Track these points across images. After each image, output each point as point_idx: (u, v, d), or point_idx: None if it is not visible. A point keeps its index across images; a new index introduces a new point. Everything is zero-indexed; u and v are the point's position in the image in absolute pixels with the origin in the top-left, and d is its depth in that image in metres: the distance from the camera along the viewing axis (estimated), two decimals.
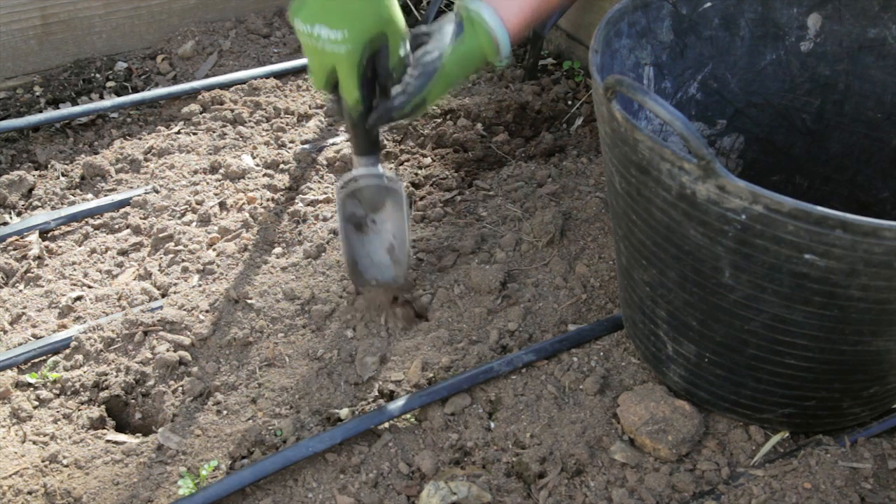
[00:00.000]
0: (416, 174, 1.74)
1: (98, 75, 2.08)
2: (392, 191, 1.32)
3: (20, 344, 1.39)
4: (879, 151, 1.38)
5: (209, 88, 1.96)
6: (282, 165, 1.75)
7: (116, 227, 1.63)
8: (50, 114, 1.88)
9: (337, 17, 1.11)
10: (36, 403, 1.29)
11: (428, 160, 1.78)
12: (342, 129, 1.60)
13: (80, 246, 1.60)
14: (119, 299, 1.46)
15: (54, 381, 1.32)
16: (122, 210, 1.67)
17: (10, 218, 1.66)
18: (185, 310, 1.43)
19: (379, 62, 1.18)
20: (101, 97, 2.01)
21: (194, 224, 1.61)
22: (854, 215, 0.86)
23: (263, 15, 2.29)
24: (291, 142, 1.83)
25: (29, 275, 1.53)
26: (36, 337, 1.40)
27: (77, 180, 1.75)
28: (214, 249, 1.55)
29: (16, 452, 1.22)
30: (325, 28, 1.11)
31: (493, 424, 1.24)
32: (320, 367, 1.32)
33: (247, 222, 1.61)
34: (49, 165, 1.78)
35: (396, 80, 1.21)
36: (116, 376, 1.32)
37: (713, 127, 1.42)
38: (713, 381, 1.17)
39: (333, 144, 1.80)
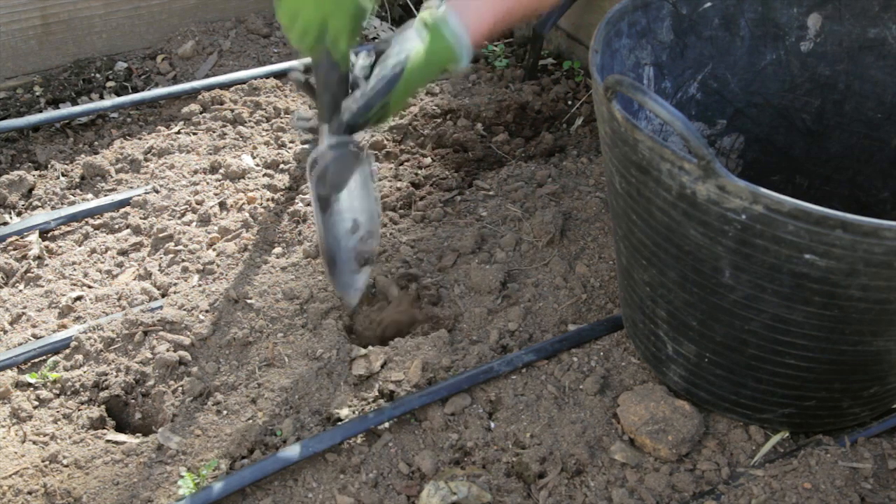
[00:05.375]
0: (416, 174, 1.74)
1: (98, 75, 2.08)
2: (357, 161, 1.28)
3: (20, 344, 1.39)
4: (879, 151, 1.38)
5: (209, 88, 1.96)
6: (282, 165, 1.75)
7: (116, 227, 1.63)
8: (50, 114, 1.88)
9: None
10: (36, 403, 1.29)
11: (428, 160, 1.78)
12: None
13: (80, 246, 1.60)
14: (119, 299, 1.46)
15: (54, 381, 1.32)
16: (122, 210, 1.67)
17: (10, 218, 1.66)
18: (185, 310, 1.43)
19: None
20: (101, 97, 2.01)
21: (194, 224, 1.61)
22: (854, 215, 0.86)
23: (263, 15, 2.29)
24: (291, 142, 1.83)
25: (29, 275, 1.53)
26: (36, 337, 1.40)
27: (77, 180, 1.75)
28: (214, 249, 1.55)
29: (16, 452, 1.22)
30: None
31: (493, 424, 1.24)
32: (320, 367, 1.32)
33: (247, 222, 1.61)
34: (49, 165, 1.78)
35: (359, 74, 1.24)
36: (116, 376, 1.32)
37: (713, 127, 1.42)
38: (713, 381, 1.17)
39: None
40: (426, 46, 1.24)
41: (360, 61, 1.27)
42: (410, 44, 1.24)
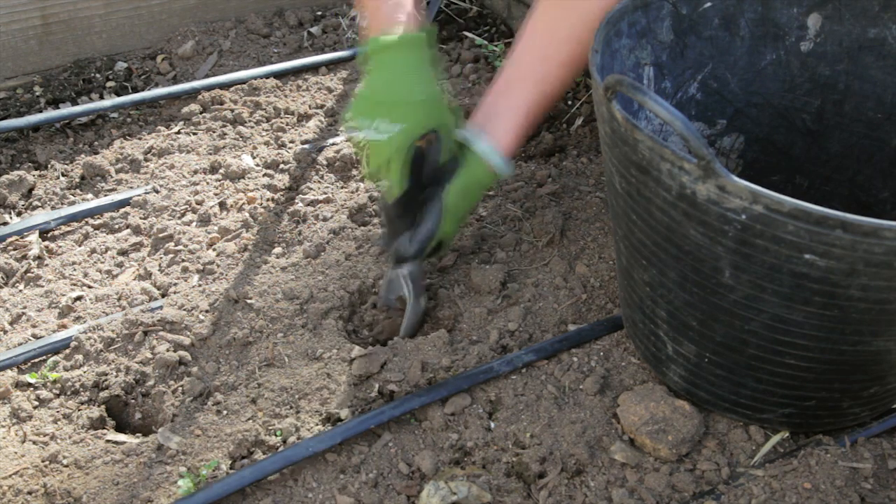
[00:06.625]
0: None
1: (98, 75, 2.08)
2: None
3: (20, 344, 1.39)
4: (879, 151, 1.38)
5: (209, 88, 1.96)
6: (282, 165, 1.75)
7: (116, 227, 1.63)
8: (50, 114, 1.88)
9: (396, 113, 1.26)
10: (36, 403, 1.29)
11: None
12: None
13: (80, 246, 1.60)
14: (119, 299, 1.46)
15: (54, 381, 1.32)
16: (122, 210, 1.67)
17: (10, 218, 1.66)
18: (185, 310, 1.43)
19: (430, 155, 1.30)
20: (101, 97, 2.01)
21: (194, 224, 1.61)
22: (854, 215, 0.86)
23: (263, 15, 2.29)
24: (291, 142, 1.83)
25: (29, 275, 1.53)
26: (36, 337, 1.40)
27: (77, 180, 1.75)
28: (214, 249, 1.55)
29: (16, 452, 1.22)
30: (373, 130, 1.26)
31: (493, 424, 1.24)
32: (320, 367, 1.32)
33: (247, 222, 1.61)
34: (49, 165, 1.78)
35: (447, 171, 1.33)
36: (116, 376, 1.32)
37: (713, 127, 1.42)
38: (713, 381, 1.17)
39: (333, 144, 1.80)
40: (461, 176, 1.33)
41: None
42: (448, 176, 1.33)
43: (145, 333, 1.38)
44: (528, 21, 1.38)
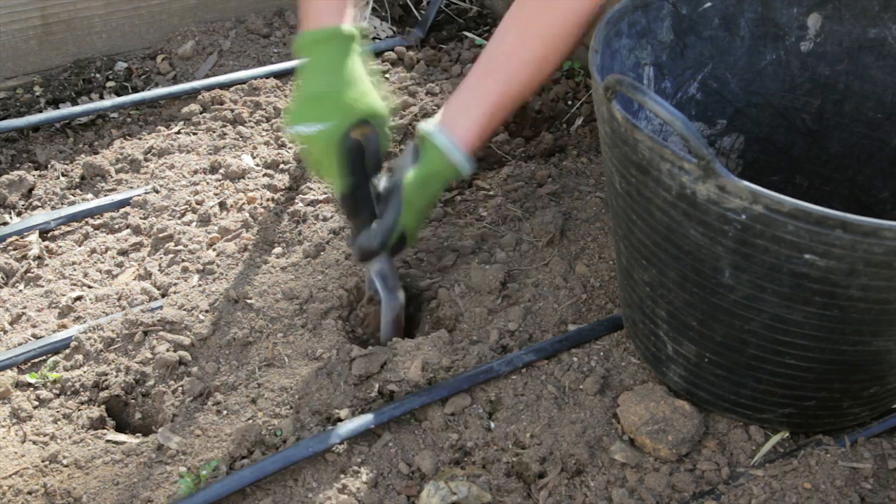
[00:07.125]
0: None
1: (98, 75, 2.08)
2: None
3: (20, 344, 1.39)
4: (879, 151, 1.38)
5: (209, 88, 1.96)
6: (282, 165, 1.75)
7: (116, 227, 1.63)
8: (50, 114, 1.88)
9: (313, 114, 1.26)
10: (36, 403, 1.29)
11: None
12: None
13: (80, 246, 1.60)
14: (119, 299, 1.46)
15: (54, 381, 1.32)
16: (122, 210, 1.67)
17: (10, 218, 1.66)
18: (185, 310, 1.43)
19: (368, 147, 1.29)
20: (101, 97, 2.01)
21: (194, 224, 1.61)
22: (854, 215, 0.86)
23: (263, 15, 2.29)
24: (291, 142, 1.83)
25: (29, 275, 1.53)
26: (36, 337, 1.40)
27: (77, 180, 1.75)
28: (214, 249, 1.55)
29: (16, 452, 1.22)
30: (303, 126, 1.26)
31: (493, 424, 1.24)
32: (319, 367, 1.32)
33: (247, 222, 1.61)
34: (49, 165, 1.78)
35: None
36: (116, 376, 1.32)
37: (713, 127, 1.42)
38: (713, 381, 1.17)
39: None
40: (419, 167, 1.33)
41: (382, 182, 1.35)
42: (405, 171, 1.32)
43: (145, 333, 1.38)
44: (505, 17, 1.37)
